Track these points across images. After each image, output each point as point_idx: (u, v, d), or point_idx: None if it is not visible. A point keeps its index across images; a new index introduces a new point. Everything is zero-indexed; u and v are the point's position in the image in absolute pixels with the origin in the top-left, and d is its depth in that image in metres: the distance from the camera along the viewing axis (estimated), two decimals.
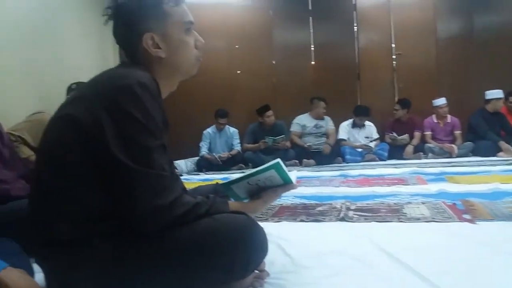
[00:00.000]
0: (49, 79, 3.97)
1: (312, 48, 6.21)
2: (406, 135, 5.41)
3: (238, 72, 6.21)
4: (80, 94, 0.98)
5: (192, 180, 4.21)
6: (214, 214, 0.98)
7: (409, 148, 5.32)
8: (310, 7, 6.18)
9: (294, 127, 5.60)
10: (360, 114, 5.49)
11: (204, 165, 5.28)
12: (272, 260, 1.31)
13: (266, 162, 1.14)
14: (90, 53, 5.02)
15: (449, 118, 5.49)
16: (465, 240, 1.49)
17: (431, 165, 4.18)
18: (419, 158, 5.10)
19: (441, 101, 5.43)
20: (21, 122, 2.83)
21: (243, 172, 1.75)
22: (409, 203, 2.25)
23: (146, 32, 1.04)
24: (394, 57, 6.04)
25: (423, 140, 5.48)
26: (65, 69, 4.27)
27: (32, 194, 0.97)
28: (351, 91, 6.14)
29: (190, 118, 5.85)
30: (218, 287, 0.98)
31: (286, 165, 1.16)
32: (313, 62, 6.24)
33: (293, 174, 1.24)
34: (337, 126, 5.61)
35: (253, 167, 4.73)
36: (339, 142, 5.46)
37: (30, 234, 0.94)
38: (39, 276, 1.03)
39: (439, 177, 3.27)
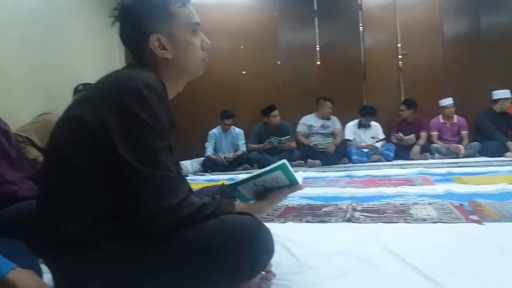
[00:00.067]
0: (55, 80, 4.00)
1: (318, 48, 6.20)
2: (413, 135, 5.39)
3: (243, 72, 6.21)
4: (87, 95, 0.99)
5: (198, 180, 4.22)
6: (220, 215, 0.98)
7: (416, 149, 5.30)
8: (315, 7, 6.17)
9: (301, 128, 5.59)
10: (366, 114, 5.47)
11: (210, 166, 5.29)
12: (278, 261, 1.31)
13: (271, 163, 1.14)
14: (96, 54, 5.04)
15: (455, 118, 5.46)
16: (472, 241, 1.48)
17: (438, 166, 4.16)
18: (426, 159, 5.08)
19: (447, 101, 5.40)
20: (28, 123, 2.85)
21: (248, 173, 1.75)
22: (416, 203, 2.25)
23: (153, 33, 1.04)
24: (400, 57, 6.01)
25: (429, 140, 5.45)
26: (71, 70, 4.30)
27: (39, 195, 0.98)
28: (357, 91, 6.12)
29: (196, 118, 5.86)
30: None
31: (292, 166, 1.16)
32: (318, 63, 6.22)
33: (299, 174, 1.24)
34: (343, 126, 5.60)
35: (259, 168, 4.74)
36: (345, 142, 5.45)
37: (37, 235, 0.95)
38: (47, 276, 1.03)
39: (446, 178, 3.26)
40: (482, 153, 5.07)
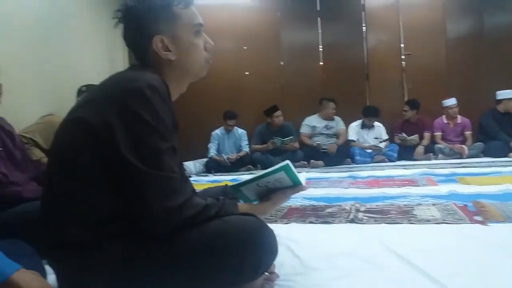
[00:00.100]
0: (58, 81, 4.01)
1: (321, 49, 6.19)
2: (416, 135, 5.37)
3: (246, 73, 6.21)
4: (91, 97, 0.99)
5: (201, 181, 4.22)
6: (223, 216, 0.98)
7: (420, 149, 5.28)
8: (318, 8, 6.16)
9: (304, 128, 5.59)
10: (369, 114, 5.47)
11: (213, 167, 5.29)
12: (282, 262, 1.31)
13: (274, 163, 1.14)
14: (100, 55, 5.06)
15: (459, 118, 5.44)
16: (476, 242, 1.48)
17: (441, 166, 4.15)
18: (429, 159, 5.06)
19: (451, 102, 5.38)
20: (32, 124, 2.86)
21: (251, 173, 1.75)
22: (420, 204, 2.24)
23: (156, 34, 1.04)
24: (403, 57, 5.99)
25: (433, 141, 5.43)
26: (75, 71, 4.31)
27: (43, 196, 0.98)
28: (360, 92, 6.11)
29: (199, 119, 5.87)
30: None
31: (295, 166, 1.16)
32: (321, 63, 6.22)
33: (303, 175, 1.23)
34: (346, 127, 5.58)
35: (262, 168, 4.74)
36: (348, 143, 5.44)
37: (41, 236, 0.96)
38: (52, 277, 1.04)
39: (450, 178, 3.24)
40: (485, 153, 5.05)
